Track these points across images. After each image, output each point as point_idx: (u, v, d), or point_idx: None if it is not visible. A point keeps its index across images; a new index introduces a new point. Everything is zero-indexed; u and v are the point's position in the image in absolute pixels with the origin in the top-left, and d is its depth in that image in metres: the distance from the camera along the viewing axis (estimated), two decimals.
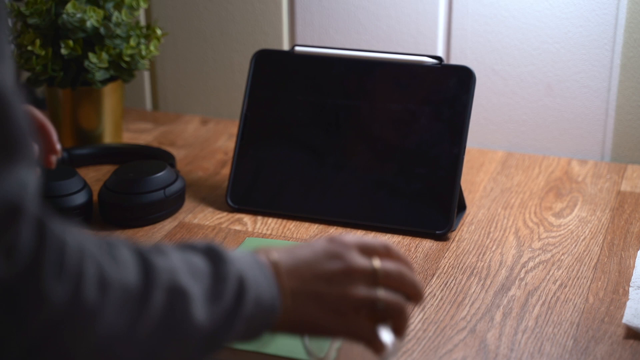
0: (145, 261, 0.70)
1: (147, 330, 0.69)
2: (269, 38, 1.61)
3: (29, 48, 1.37)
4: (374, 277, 0.81)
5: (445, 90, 1.28)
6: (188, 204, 1.34)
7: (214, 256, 0.75)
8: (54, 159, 1.08)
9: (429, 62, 1.30)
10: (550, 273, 1.15)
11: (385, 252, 0.84)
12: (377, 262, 0.82)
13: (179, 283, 0.71)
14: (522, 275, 1.15)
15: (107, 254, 0.68)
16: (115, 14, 1.39)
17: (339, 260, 0.80)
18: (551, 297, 1.10)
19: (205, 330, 0.72)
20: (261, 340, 0.81)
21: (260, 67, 1.36)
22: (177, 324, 0.70)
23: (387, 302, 0.81)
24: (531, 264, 1.17)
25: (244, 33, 1.63)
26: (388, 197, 1.28)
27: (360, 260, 0.81)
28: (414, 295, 0.84)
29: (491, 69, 1.51)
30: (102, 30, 1.39)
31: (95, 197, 1.31)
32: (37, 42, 1.36)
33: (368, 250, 0.83)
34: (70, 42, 1.36)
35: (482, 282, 1.13)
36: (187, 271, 0.72)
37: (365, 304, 0.80)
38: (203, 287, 0.72)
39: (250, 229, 1.27)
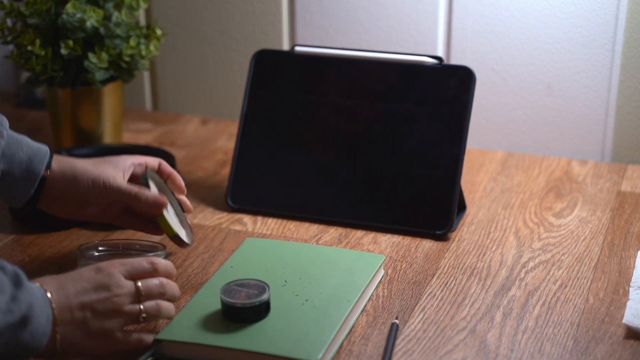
0: None
1: None
2: (269, 38, 1.61)
3: (29, 48, 1.37)
4: (136, 296, 0.95)
5: (445, 90, 1.28)
6: None
7: (17, 281, 0.86)
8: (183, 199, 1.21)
9: (429, 62, 1.30)
10: (551, 273, 1.15)
11: (150, 269, 0.97)
12: (139, 283, 0.95)
13: None
14: (522, 275, 1.14)
15: None
16: (115, 14, 1.39)
17: (105, 290, 0.93)
18: (551, 298, 1.10)
19: None
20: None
21: (260, 67, 1.36)
22: None
23: (148, 314, 0.96)
24: (531, 264, 1.17)
25: (244, 33, 1.63)
26: (388, 197, 1.28)
27: (124, 284, 0.94)
28: (174, 300, 1.00)
29: (491, 69, 1.51)
30: (102, 30, 1.39)
31: None
32: (37, 42, 1.36)
33: (132, 274, 0.96)
34: (70, 42, 1.36)
35: (482, 282, 1.13)
36: None
37: (130, 322, 0.95)
38: None
39: (250, 229, 1.27)
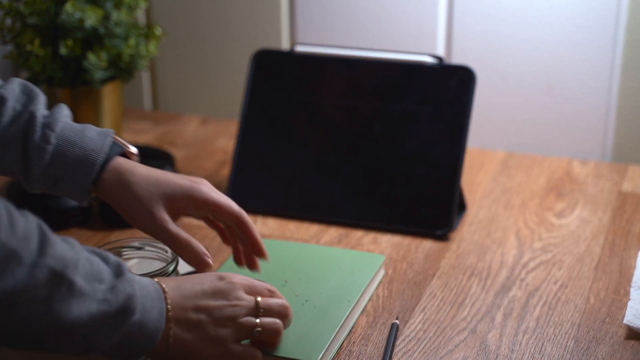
0: (44, 242, 0.77)
1: (17, 299, 0.75)
2: (269, 38, 1.61)
3: (28, 48, 1.36)
4: (255, 310, 0.90)
5: (445, 90, 1.28)
6: None
7: (118, 271, 0.84)
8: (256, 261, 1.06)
9: (430, 61, 1.30)
10: (551, 273, 1.15)
11: (269, 294, 0.93)
12: (259, 298, 0.91)
13: (67, 275, 0.78)
14: (522, 275, 1.14)
15: (7, 221, 0.74)
16: (115, 13, 1.39)
17: (224, 298, 0.89)
18: (552, 298, 1.09)
19: (78, 325, 0.79)
20: None
21: (260, 67, 1.36)
22: (51, 308, 0.77)
23: (264, 327, 0.91)
24: (532, 264, 1.17)
25: (244, 33, 1.63)
26: (388, 198, 1.28)
27: (243, 297, 0.91)
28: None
29: (492, 69, 1.50)
30: (101, 29, 1.38)
31: None
32: (37, 41, 1.36)
33: (253, 291, 0.92)
34: (70, 42, 1.36)
35: (482, 282, 1.13)
36: (84, 270, 0.80)
37: (244, 334, 0.90)
38: (94, 290, 0.80)
39: None
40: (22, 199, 1.26)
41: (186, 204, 1.00)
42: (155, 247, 1.09)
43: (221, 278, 0.91)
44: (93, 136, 0.99)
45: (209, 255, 0.98)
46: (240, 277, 0.92)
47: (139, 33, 1.43)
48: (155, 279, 0.89)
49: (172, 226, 0.98)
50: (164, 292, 0.87)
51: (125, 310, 0.82)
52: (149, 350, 0.85)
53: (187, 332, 0.87)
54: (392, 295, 1.10)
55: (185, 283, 0.89)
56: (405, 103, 1.30)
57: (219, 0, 1.62)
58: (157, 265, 1.01)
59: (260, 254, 1.02)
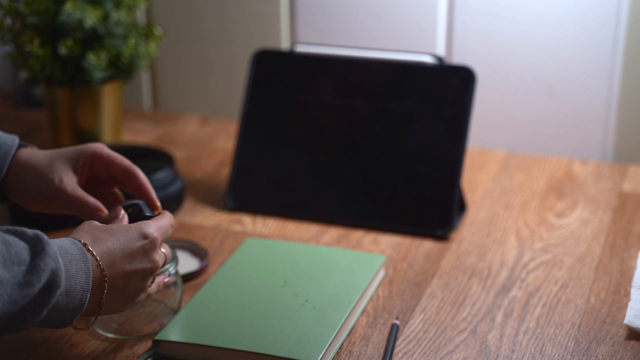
0: None
1: None
2: (269, 37, 1.61)
3: (28, 48, 1.36)
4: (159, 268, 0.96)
5: (446, 90, 1.28)
6: (188, 204, 1.34)
7: (37, 247, 0.83)
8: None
9: (430, 61, 1.30)
10: (552, 274, 1.14)
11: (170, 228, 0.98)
12: (165, 250, 0.97)
13: None
14: (523, 275, 1.14)
15: None
16: (114, 13, 1.38)
17: (148, 260, 0.93)
18: (552, 298, 1.09)
19: (2, 314, 0.80)
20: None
21: (260, 67, 1.36)
22: None
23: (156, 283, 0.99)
24: (532, 264, 1.17)
25: (244, 33, 1.63)
26: (388, 197, 1.28)
27: (159, 257, 0.94)
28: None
29: (492, 69, 1.50)
30: (101, 29, 1.38)
31: None
32: (36, 41, 1.35)
33: (164, 238, 0.97)
34: (69, 42, 1.36)
35: (483, 282, 1.13)
36: (2, 257, 0.80)
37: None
38: (14, 275, 0.81)
39: (249, 229, 1.27)
40: None
41: (83, 162, 1.04)
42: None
43: (145, 237, 0.93)
44: (2, 134, 1.04)
45: (103, 209, 1.00)
46: (158, 227, 0.95)
47: (138, 33, 1.42)
48: (82, 239, 0.89)
49: (70, 187, 1.01)
50: (86, 247, 0.88)
51: (49, 286, 0.83)
52: (81, 312, 0.88)
53: (113, 294, 0.91)
54: (392, 295, 1.10)
55: (115, 250, 0.91)
56: (406, 103, 1.29)
57: (219, 0, 1.62)
58: None
59: (154, 206, 1.03)
